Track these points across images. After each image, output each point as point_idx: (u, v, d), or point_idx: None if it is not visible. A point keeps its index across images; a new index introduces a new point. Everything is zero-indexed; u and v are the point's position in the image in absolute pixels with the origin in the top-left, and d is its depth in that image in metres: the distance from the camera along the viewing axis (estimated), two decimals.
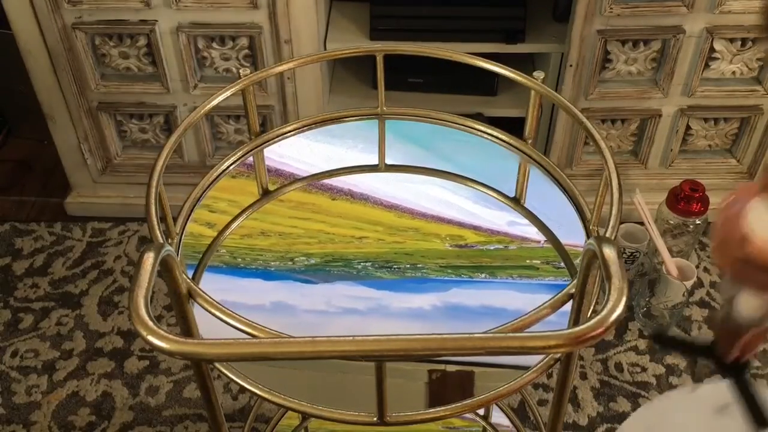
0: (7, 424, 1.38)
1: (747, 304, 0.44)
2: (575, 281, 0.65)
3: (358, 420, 0.69)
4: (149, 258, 0.57)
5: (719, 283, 0.52)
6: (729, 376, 0.50)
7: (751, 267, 0.42)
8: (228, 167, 0.92)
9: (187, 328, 0.70)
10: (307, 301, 0.84)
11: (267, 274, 0.87)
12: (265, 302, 0.84)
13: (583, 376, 1.45)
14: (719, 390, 0.75)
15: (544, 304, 0.65)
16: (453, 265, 0.86)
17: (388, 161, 1.00)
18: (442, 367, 0.77)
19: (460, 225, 0.92)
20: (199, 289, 0.67)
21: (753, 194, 0.40)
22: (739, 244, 0.42)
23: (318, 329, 0.82)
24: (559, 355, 0.71)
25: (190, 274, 0.84)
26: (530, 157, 0.93)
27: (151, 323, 0.52)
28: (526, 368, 0.72)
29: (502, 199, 0.94)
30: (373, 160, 1.00)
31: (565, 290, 0.65)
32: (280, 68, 0.93)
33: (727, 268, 0.49)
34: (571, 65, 1.52)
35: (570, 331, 0.51)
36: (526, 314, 0.64)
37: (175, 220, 0.81)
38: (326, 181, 0.97)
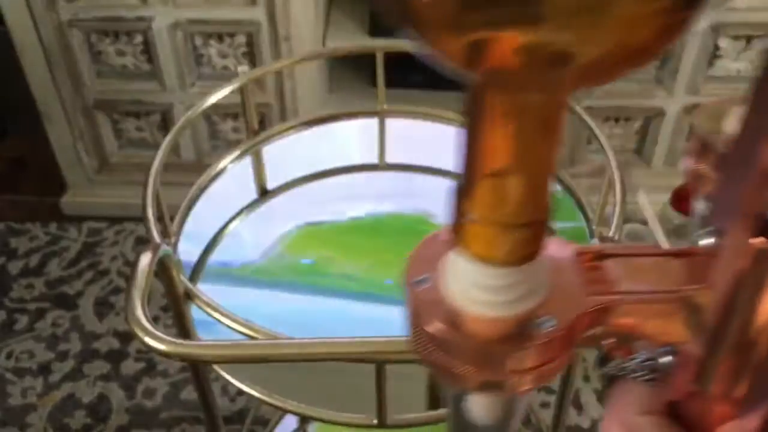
0: (1, 426, 1.37)
1: (480, 406, 0.30)
2: None
3: (357, 422, 0.68)
4: (146, 258, 0.56)
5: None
6: None
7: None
8: (226, 166, 0.91)
9: (184, 330, 0.68)
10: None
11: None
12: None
13: (586, 379, 1.44)
14: None
15: None
16: None
17: (388, 160, 0.98)
18: None
19: None
20: (197, 289, 0.66)
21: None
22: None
23: (317, 331, 0.80)
24: None
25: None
26: None
27: (147, 324, 0.52)
28: None
29: None
30: (373, 158, 0.99)
31: None
32: (278, 66, 0.92)
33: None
34: None
35: None
36: None
37: (172, 219, 0.80)
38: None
